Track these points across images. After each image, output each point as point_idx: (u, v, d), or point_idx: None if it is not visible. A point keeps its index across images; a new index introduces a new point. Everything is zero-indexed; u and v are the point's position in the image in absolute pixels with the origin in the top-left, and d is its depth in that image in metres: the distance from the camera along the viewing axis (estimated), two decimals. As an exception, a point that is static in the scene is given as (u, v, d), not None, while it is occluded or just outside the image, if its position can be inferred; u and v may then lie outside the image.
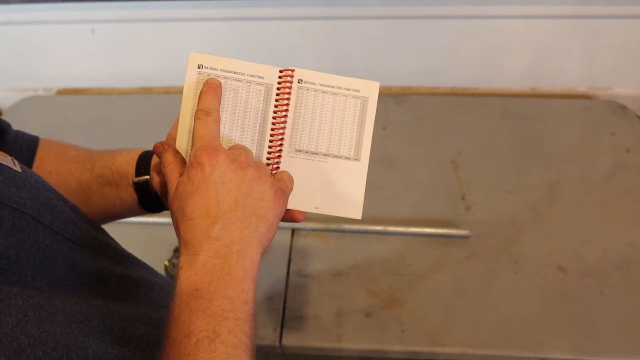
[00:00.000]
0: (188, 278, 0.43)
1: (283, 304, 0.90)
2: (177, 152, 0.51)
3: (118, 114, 1.24)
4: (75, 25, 1.21)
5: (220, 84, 0.52)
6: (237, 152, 0.48)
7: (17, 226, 0.43)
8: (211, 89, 0.51)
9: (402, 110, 1.20)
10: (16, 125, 0.61)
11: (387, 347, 0.85)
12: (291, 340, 0.86)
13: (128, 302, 0.51)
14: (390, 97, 1.23)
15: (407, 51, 1.23)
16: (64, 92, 1.34)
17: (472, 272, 0.93)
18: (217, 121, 0.50)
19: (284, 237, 0.98)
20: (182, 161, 0.51)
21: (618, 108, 1.19)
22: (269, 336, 0.86)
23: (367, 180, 0.55)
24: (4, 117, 1.36)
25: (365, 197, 0.55)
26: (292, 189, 0.52)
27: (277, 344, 0.86)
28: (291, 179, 0.53)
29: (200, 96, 0.51)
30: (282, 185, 0.50)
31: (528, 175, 1.07)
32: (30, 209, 0.44)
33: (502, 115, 1.19)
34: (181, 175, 0.48)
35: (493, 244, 0.97)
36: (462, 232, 0.98)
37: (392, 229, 0.98)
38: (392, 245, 0.97)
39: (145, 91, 1.31)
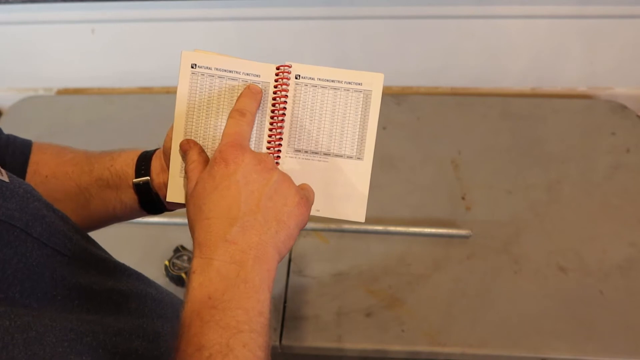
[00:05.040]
0: (201, 285, 0.41)
1: (283, 304, 0.90)
2: (202, 151, 0.50)
3: (118, 114, 1.24)
4: (75, 25, 1.21)
5: (261, 90, 0.51)
6: (265, 154, 0.47)
7: (4, 240, 0.40)
8: (251, 93, 0.50)
9: (402, 110, 1.20)
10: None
11: (387, 347, 0.85)
12: (291, 340, 0.86)
13: (120, 316, 0.49)
14: (390, 97, 1.23)
15: (407, 51, 1.23)
16: (64, 92, 1.34)
17: (472, 272, 0.93)
18: (250, 124, 0.49)
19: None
20: (206, 160, 0.49)
21: (618, 108, 1.19)
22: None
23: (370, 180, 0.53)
24: (4, 117, 1.36)
25: (368, 197, 0.53)
26: (313, 202, 0.50)
27: (277, 344, 0.86)
28: (313, 192, 0.51)
29: (239, 97, 0.50)
30: (307, 194, 0.49)
31: (528, 175, 1.07)
32: (18, 221, 0.42)
33: (502, 115, 1.19)
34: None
35: (493, 244, 0.97)
36: (462, 232, 0.98)
37: (392, 228, 0.98)
38: (392, 245, 0.97)
39: (145, 91, 1.31)
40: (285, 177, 0.47)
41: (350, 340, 0.86)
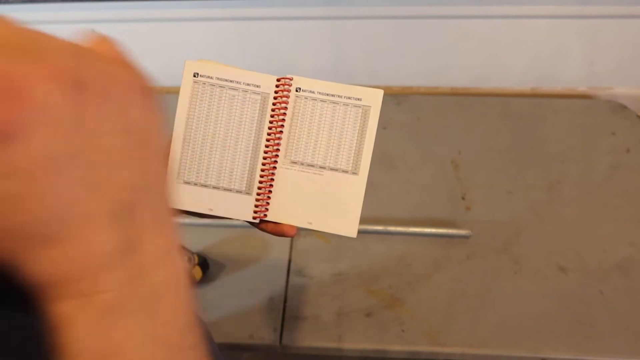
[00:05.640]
0: None
1: (283, 304, 0.90)
2: None
3: (118, 114, 1.24)
4: (75, 25, 1.21)
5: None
6: None
7: None
8: None
9: (402, 110, 1.20)
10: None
11: (387, 347, 0.85)
12: (291, 340, 0.86)
13: None
14: (390, 97, 1.23)
15: (407, 51, 1.23)
16: (64, 92, 1.34)
17: (472, 272, 0.93)
18: None
19: (284, 237, 0.98)
20: None
21: (618, 108, 1.19)
22: (269, 336, 0.86)
23: (367, 183, 0.53)
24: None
25: (365, 197, 0.53)
26: None
27: (277, 344, 0.86)
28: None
29: None
30: None
31: (528, 175, 1.07)
32: None
33: (502, 115, 1.19)
34: None
35: (493, 244, 0.97)
36: (462, 232, 0.98)
37: (392, 229, 0.98)
38: (392, 245, 0.97)
39: (145, 91, 1.31)
40: None
41: (350, 340, 0.86)
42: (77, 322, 0.25)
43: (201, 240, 0.97)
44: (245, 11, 1.16)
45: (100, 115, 0.24)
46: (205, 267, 0.92)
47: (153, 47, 1.25)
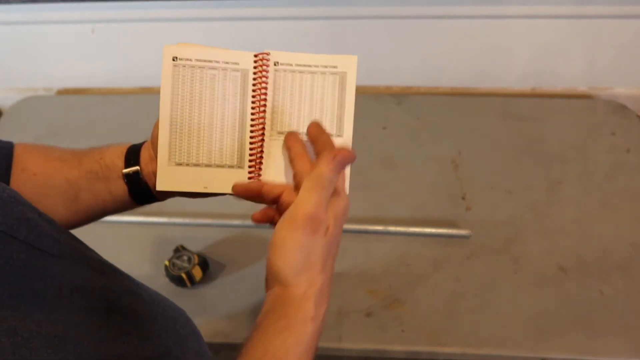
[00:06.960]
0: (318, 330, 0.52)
1: (283, 304, 0.90)
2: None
3: (118, 114, 1.24)
4: (75, 25, 1.21)
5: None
6: None
7: None
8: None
9: (402, 110, 1.21)
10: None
11: (387, 347, 0.85)
12: (291, 340, 0.86)
13: (112, 315, 0.49)
14: (390, 97, 1.23)
15: (407, 51, 1.23)
16: (64, 92, 1.34)
17: (472, 272, 0.93)
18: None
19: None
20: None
21: (618, 108, 1.19)
22: (269, 336, 0.86)
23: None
24: (4, 117, 1.36)
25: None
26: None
27: (277, 344, 0.85)
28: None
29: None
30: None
31: (528, 175, 1.07)
32: (2, 225, 0.43)
33: (502, 115, 1.19)
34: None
35: (493, 244, 0.97)
36: (463, 232, 0.98)
37: (392, 228, 0.98)
38: (392, 245, 0.97)
39: (145, 91, 1.31)
40: None
41: (350, 340, 0.86)
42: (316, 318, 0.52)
43: (201, 240, 0.97)
44: (245, 11, 1.16)
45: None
46: (205, 267, 0.92)
47: (153, 47, 1.25)
